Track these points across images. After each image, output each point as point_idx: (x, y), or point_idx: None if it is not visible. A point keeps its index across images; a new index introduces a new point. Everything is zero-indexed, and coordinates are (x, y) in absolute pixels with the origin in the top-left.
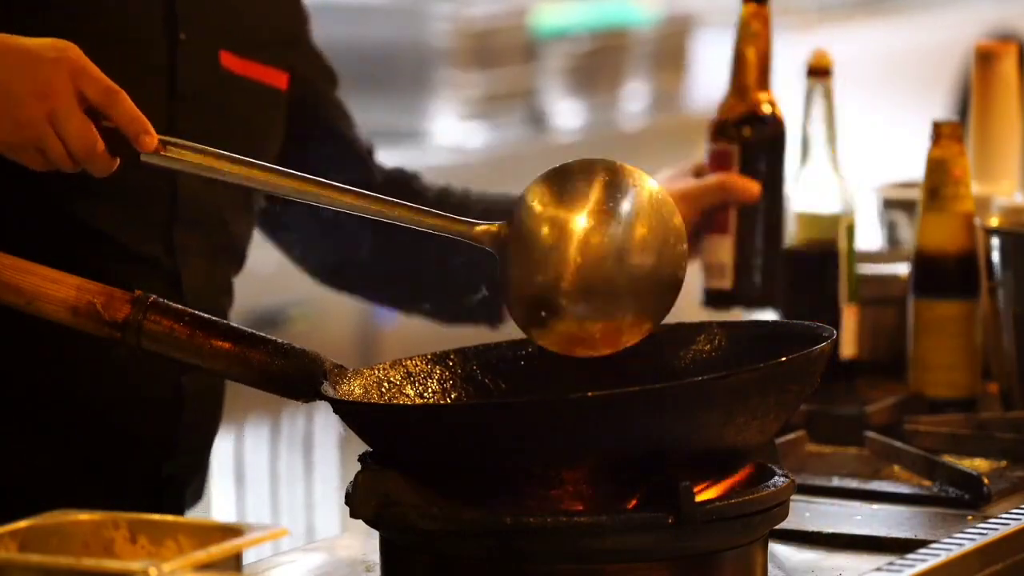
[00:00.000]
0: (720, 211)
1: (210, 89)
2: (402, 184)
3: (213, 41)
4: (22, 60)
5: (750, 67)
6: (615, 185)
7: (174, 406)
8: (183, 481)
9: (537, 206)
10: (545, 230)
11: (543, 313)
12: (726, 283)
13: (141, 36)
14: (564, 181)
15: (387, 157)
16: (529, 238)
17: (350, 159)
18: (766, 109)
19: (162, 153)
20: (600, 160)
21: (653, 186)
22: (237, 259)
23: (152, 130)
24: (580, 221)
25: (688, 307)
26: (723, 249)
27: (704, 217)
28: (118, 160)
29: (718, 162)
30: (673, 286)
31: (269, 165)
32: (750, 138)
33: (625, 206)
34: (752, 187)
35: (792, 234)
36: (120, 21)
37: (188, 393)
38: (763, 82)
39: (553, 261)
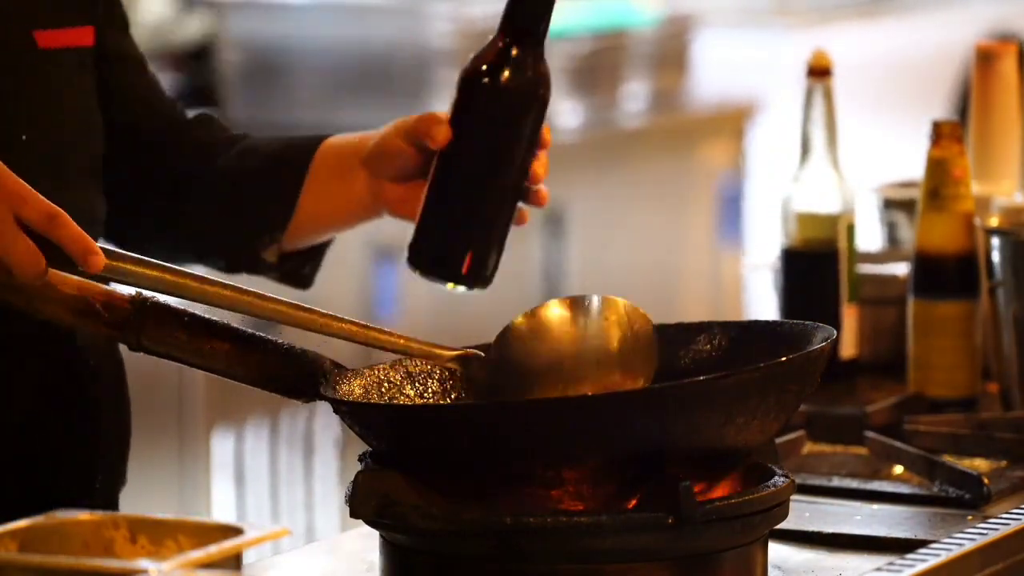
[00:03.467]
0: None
1: (32, 75)
2: (207, 128)
3: (24, 25)
4: None
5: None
6: (584, 308)
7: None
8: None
9: (518, 340)
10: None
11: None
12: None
13: None
14: (542, 317)
15: None
16: (513, 366)
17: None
18: (514, 60)
19: (108, 266)
20: (567, 298)
21: (622, 302)
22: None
23: (96, 248)
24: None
25: (689, 307)
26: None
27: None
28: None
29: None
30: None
31: (214, 279)
32: (481, 88)
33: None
34: (439, 131)
35: (792, 234)
36: None
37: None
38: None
39: (540, 384)
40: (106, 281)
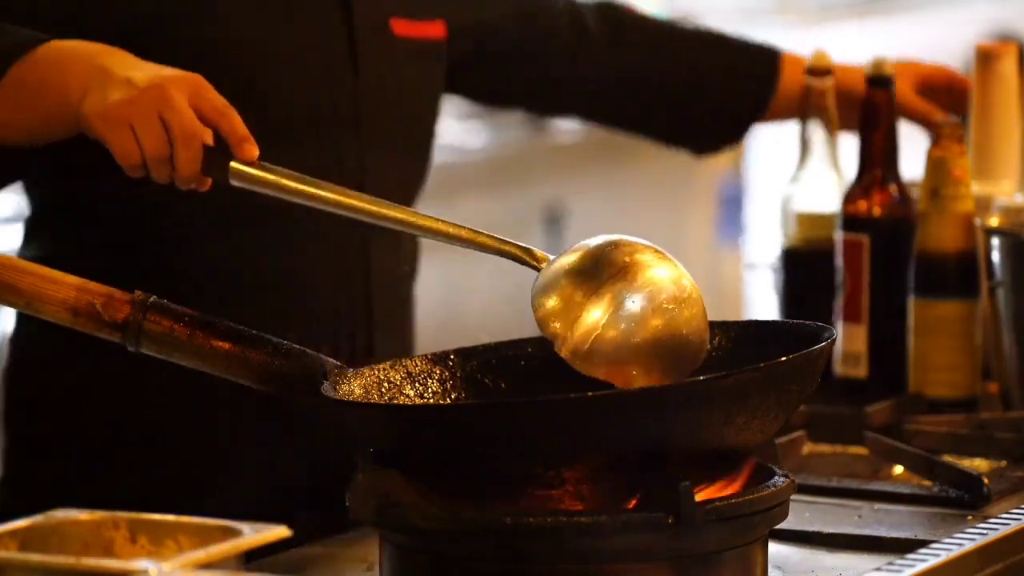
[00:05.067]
0: (853, 300)
1: (386, 60)
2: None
3: (383, 12)
4: (143, 64)
5: (877, 153)
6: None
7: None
8: None
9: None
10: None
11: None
12: (861, 371)
13: (320, 22)
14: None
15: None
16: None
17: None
18: (896, 198)
19: (253, 169)
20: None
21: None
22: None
23: (251, 137)
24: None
25: None
26: (858, 338)
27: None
28: (208, 180)
29: (850, 251)
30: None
31: (343, 189)
32: (882, 229)
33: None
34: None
35: (792, 234)
36: (299, 7)
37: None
38: (892, 169)
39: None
40: (108, 281)
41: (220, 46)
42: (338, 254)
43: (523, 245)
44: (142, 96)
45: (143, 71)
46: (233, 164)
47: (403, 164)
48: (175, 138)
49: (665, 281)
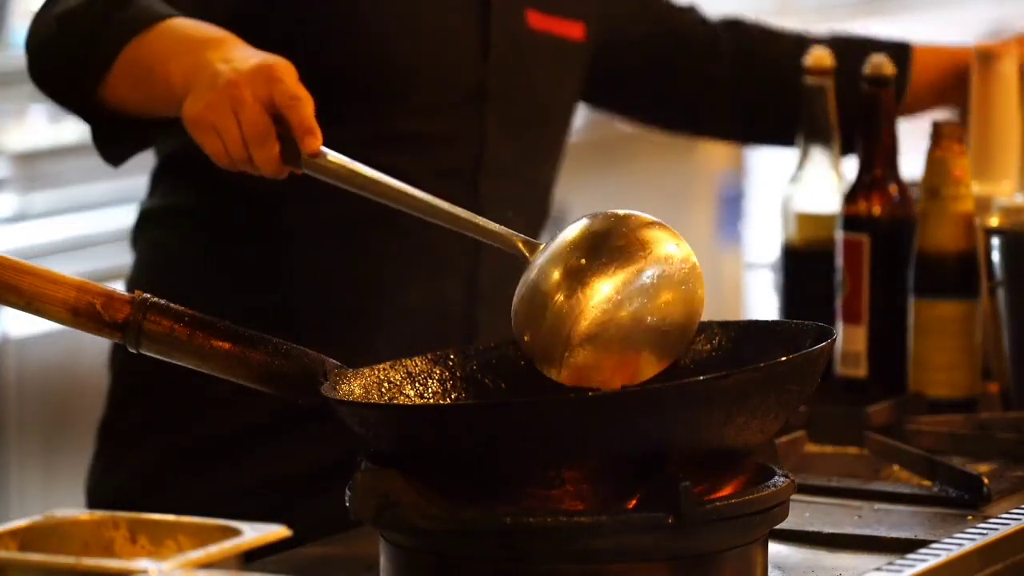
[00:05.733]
0: (853, 300)
1: (517, 49)
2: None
3: (520, 2)
4: (236, 55)
5: (877, 153)
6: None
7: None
8: None
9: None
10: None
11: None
12: (861, 371)
13: (460, 5)
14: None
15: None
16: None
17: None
18: (896, 198)
19: (319, 160)
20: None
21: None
22: (541, 210)
23: (320, 135)
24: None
25: None
26: (858, 338)
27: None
28: (287, 169)
29: (850, 251)
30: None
31: (406, 187)
32: (882, 229)
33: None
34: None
35: (792, 234)
36: None
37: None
38: (892, 169)
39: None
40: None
41: (359, 21)
42: (444, 263)
43: (524, 238)
44: (220, 98)
45: (231, 65)
46: (304, 156)
47: (524, 154)
48: (248, 140)
49: (631, 273)
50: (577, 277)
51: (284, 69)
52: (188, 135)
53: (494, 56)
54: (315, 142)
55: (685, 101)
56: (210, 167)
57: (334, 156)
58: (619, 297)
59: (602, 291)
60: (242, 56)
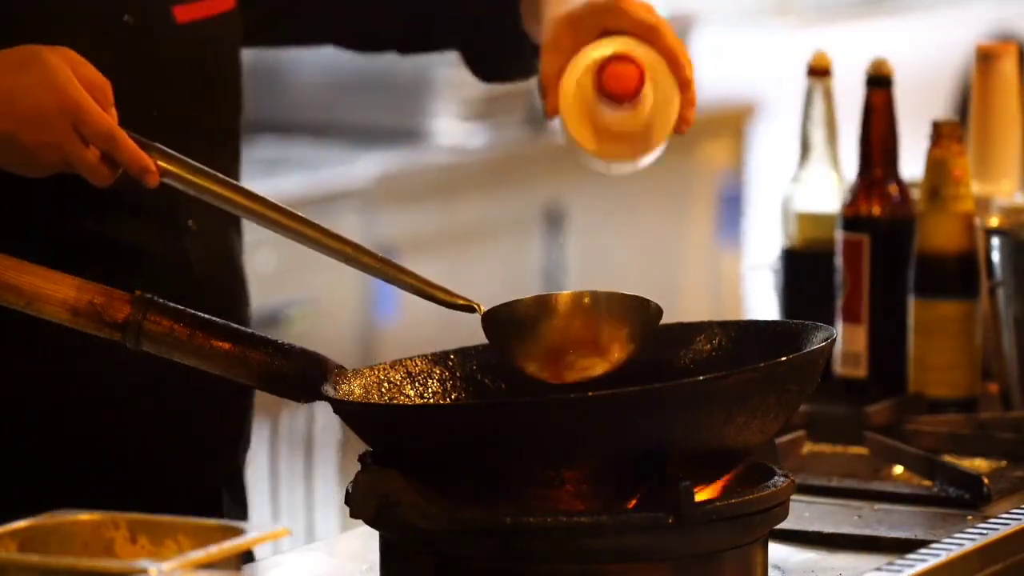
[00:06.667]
0: (853, 300)
1: (171, 50)
2: None
3: (163, 2)
4: (25, 115)
5: (877, 153)
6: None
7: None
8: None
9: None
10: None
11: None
12: (861, 371)
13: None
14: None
15: (387, 157)
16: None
17: None
18: (896, 198)
19: (163, 172)
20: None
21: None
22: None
23: (152, 166)
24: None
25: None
26: (858, 338)
27: None
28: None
29: (850, 251)
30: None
31: (261, 196)
32: (882, 229)
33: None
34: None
35: (792, 234)
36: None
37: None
38: (892, 169)
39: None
40: (107, 281)
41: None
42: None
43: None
44: (46, 163)
45: (19, 120)
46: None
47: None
48: (90, 180)
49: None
50: None
51: (78, 91)
52: None
53: (145, 66)
54: (153, 178)
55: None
56: None
57: (176, 168)
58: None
59: None
60: (11, 98)
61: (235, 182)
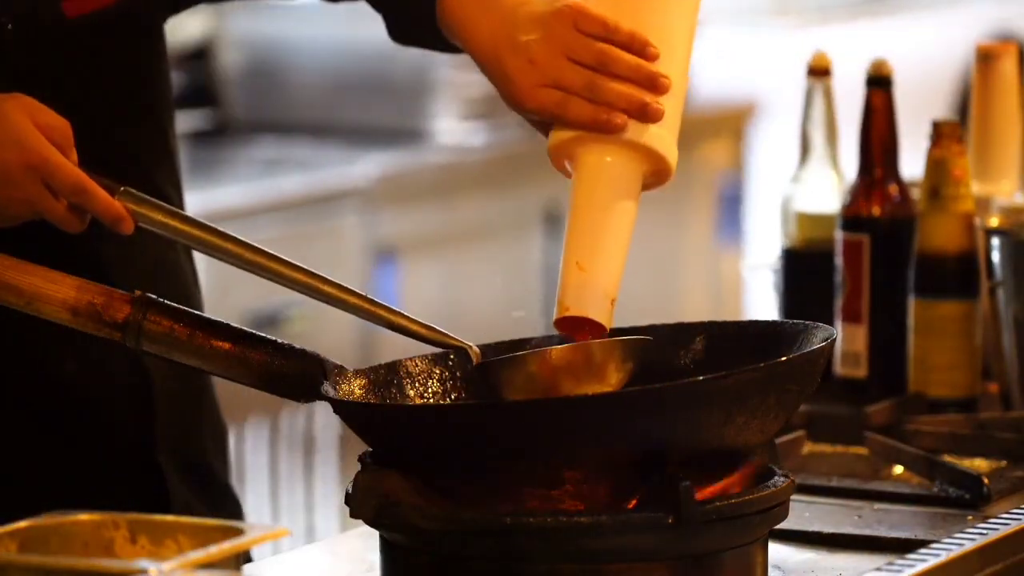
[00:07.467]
0: (853, 300)
1: (68, 49)
2: None
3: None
4: None
5: (877, 153)
6: None
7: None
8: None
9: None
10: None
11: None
12: (861, 371)
13: None
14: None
15: (387, 157)
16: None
17: None
18: (896, 198)
19: (136, 216)
20: None
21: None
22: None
23: (124, 214)
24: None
25: (689, 307)
26: (858, 338)
27: None
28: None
29: (850, 252)
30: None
31: (237, 237)
32: (882, 229)
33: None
34: None
35: (792, 234)
36: None
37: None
38: (892, 169)
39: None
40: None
41: None
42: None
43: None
44: (16, 215)
45: None
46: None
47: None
48: (64, 229)
49: None
50: None
51: (45, 147)
52: None
53: (40, 71)
54: (127, 226)
55: None
56: None
57: (147, 211)
58: None
59: None
60: None
61: (210, 224)
